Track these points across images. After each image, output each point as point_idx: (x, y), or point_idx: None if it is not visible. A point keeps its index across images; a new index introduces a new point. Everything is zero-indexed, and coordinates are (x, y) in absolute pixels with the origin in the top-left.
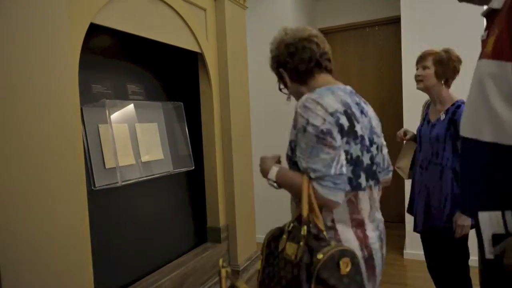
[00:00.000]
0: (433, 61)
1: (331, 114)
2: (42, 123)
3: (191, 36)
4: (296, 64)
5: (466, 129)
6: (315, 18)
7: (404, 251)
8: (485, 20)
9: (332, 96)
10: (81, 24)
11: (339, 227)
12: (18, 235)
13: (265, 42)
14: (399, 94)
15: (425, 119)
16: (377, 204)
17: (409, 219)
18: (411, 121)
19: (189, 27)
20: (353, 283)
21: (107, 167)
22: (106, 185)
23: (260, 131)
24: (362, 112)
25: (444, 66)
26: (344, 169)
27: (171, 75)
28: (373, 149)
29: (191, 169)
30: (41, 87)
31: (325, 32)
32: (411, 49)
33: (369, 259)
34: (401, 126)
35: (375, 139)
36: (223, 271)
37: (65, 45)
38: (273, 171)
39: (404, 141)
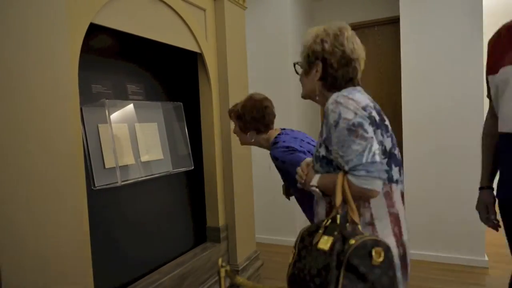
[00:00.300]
0: (234, 118)
1: (363, 108)
2: (42, 123)
3: (190, 36)
4: (342, 71)
5: (506, 125)
6: (314, 18)
7: None
8: None
9: (360, 94)
10: (80, 24)
11: (377, 223)
12: (18, 234)
13: (264, 42)
14: (398, 94)
15: None
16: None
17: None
18: (410, 121)
19: (188, 27)
20: (385, 276)
21: (106, 167)
22: (106, 185)
23: None
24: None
25: (243, 120)
26: (378, 158)
27: (171, 75)
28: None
29: (190, 169)
30: (41, 87)
31: None
32: (410, 49)
33: (404, 257)
34: (400, 125)
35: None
36: (222, 271)
37: (65, 45)
38: (316, 177)
39: None
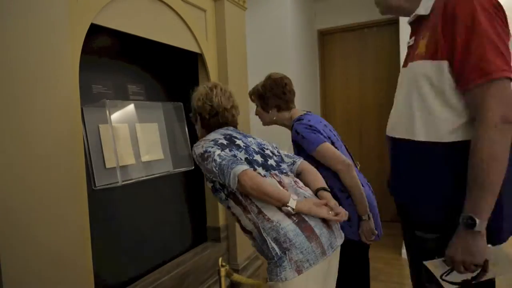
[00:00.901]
0: (256, 98)
1: (211, 141)
2: (43, 123)
3: (191, 37)
4: (213, 120)
5: (397, 130)
6: (314, 19)
7: (402, 250)
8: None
9: (214, 134)
10: (81, 24)
11: None
12: (19, 234)
13: (264, 43)
14: None
15: None
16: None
17: None
18: None
19: (189, 28)
20: None
21: (107, 166)
22: (107, 184)
23: (260, 131)
24: (245, 136)
25: (265, 98)
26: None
27: (171, 76)
28: (267, 152)
29: (190, 168)
30: (42, 87)
31: (324, 33)
32: None
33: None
34: None
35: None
36: (222, 270)
37: (65, 45)
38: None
39: None
